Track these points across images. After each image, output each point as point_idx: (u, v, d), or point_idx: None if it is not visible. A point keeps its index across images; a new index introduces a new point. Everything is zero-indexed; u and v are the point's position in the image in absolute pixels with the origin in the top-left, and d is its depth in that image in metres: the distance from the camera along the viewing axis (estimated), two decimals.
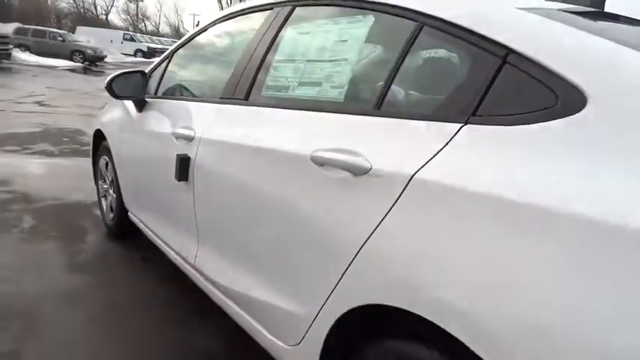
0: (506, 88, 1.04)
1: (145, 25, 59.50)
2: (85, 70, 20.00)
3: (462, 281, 0.92)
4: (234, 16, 2.16)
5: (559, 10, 1.28)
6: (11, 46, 18.19)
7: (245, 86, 1.79)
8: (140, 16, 57.24)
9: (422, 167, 1.05)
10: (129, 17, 57.63)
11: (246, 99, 1.77)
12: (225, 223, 1.72)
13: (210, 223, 1.83)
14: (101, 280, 2.56)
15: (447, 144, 1.05)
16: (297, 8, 1.75)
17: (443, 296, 0.94)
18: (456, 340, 0.91)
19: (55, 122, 7.22)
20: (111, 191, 3.03)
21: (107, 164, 3.05)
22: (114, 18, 58.95)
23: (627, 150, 0.81)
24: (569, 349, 0.77)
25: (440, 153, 1.05)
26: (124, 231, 3.00)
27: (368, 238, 1.12)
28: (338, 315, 1.21)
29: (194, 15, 65.00)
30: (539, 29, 1.07)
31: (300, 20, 1.73)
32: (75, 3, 53.44)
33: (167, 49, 2.65)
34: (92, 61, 22.76)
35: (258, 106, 1.70)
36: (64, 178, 4.32)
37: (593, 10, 1.48)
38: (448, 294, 0.94)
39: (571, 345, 0.77)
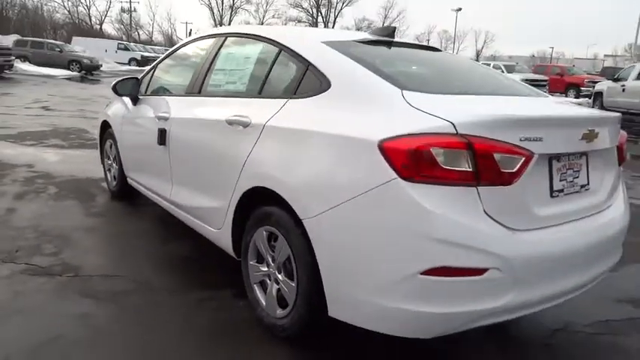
0: (306, 81, 2.22)
1: (139, 34, 60.71)
2: (82, 79, 21.17)
3: (287, 171, 2.08)
4: (194, 41, 3.36)
5: (353, 40, 2.47)
6: (13, 57, 19.28)
7: (198, 85, 2.97)
8: (133, 25, 58.47)
9: (269, 120, 2.24)
10: (122, 27, 58.86)
11: (199, 93, 2.96)
12: (185, 165, 2.91)
13: (178, 168, 3.01)
14: (110, 220, 3.74)
15: (280, 108, 2.24)
16: (228, 38, 2.95)
17: (281, 178, 2.09)
18: (285, 201, 2.06)
19: (61, 123, 8.38)
20: (114, 165, 4.20)
21: (111, 145, 4.22)
22: (108, 28, 60.10)
23: (347, 106, 1.98)
24: (315, 193, 1.94)
25: (277, 113, 2.23)
26: (124, 193, 4.17)
27: (248, 155, 2.29)
28: (237, 200, 2.38)
29: (187, 23, 66.28)
30: (325, 53, 2.26)
31: (229, 45, 2.93)
32: (70, 14, 54.77)
33: (160, 57, 3.82)
34: (88, 70, 23.84)
35: (205, 96, 2.89)
36: (75, 163, 5.49)
37: (379, 39, 2.66)
38: (284, 177, 2.08)
39: (317, 190, 1.93)
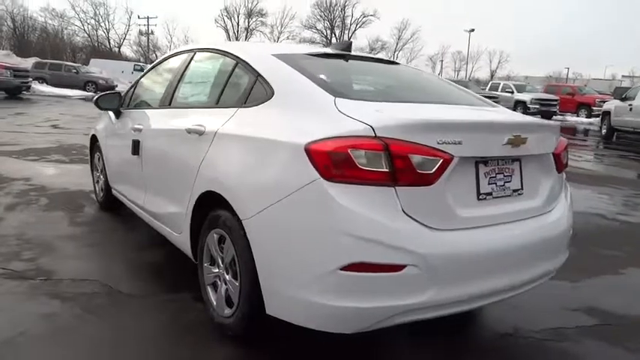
0: (255, 91, 2.35)
1: (156, 56, 62.12)
2: None
3: (230, 175, 2.19)
4: (171, 57, 3.53)
5: (305, 53, 2.61)
6: (31, 79, 19.92)
7: (169, 98, 3.12)
8: (151, 47, 59.93)
9: (219, 128, 2.36)
10: (140, 49, 60.35)
11: (169, 105, 3.10)
12: (155, 174, 3.04)
13: (149, 177, 3.14)
14: (93, 229, 3.88)
15: (231, 117, 2.36)
16: (197, 53, 3.10)
17: (225, 182, 2.21)
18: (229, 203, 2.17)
19: (67, 140, 8.65)
20: (101, 176, 4.36)
21: (99, 158, 4.39)
22: (126, 50, 61.65)
23: (286, 112, 2.10)
24: (252, 194, 2.05)
25: (227, 121, 2.36)
26: (110, 203, 4.31)
27: (202, 161, 2.41)
28: (193, 205, 2.49)
29: None
30: (272, 64, 2.39)
31: (197, 60, 3.08)
32: (89, 37, 56.43)
33: None
34: (103, 91, 24.39)
35: (174, 108, 3.04)
36: (72, 176, 5.68)
37: (334, 52, 2.79)
38: (227, 181, 2.20)
39: (254, 192, 2.04)
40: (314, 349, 2.31)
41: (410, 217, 1.80)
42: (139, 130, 3.25)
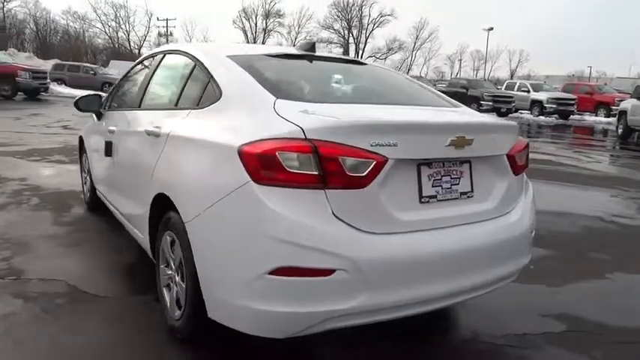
0: (207, 92, 2.34)
1: None
2: None
3: (176, 177, 2.19)
4: (146, 59, 3.54)
5: (263, 54, 2.59)
6: (49, 81, 20.32)
7: (139, 99, 3.13)
8: None
9: (172, 130, 2.36)
10: None
11: (139, 106, 3.11)
12: (123, 175, 3.05)
13: (120, 177, 3.16)
14: (76, 230, 3.92)
15: (183, 119, 2.35)
16: (166, 55, 3.11)
17: (172, 184, 2.22)
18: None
19: (73, 140, 8.72)
20: (88, 177, 4.41)
21: (85, 159, 4.44)
22: (146, 51, 62.36)
23: (230, 113, 2.09)
24: (193, 197, 2.04)
25: (179, 123, 2.35)
26: (96, 204, 4.36)
27: (156, 163, 2.41)
28: (149, 207, 2.48)
29: None
30: (224, 66, 2.37)
31: (165, 61, 3.08)
32: (110, 39, 57.37)
33: None
34: None
35: (142, 109, 3.05)
36: (67, 177, 5.76)
37: (297, 53, 2.76)
38: (174, 183, 2.20)
39: (194, 194, 2.03)
40: (270, 353, 2.29)
41: (341, 220, 1.76)
42: (112, 132, 3.27)
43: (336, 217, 1.76)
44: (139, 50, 61.03)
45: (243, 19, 59.96)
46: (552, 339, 2.54)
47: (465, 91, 22.00)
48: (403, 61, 62.16)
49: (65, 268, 3.14)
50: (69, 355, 2.21)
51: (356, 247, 1.75)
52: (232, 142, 1.86)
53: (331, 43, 60.62)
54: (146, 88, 3.10)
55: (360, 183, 1.77)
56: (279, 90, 2.11)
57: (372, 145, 1.78)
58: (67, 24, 50.11)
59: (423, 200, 1.96)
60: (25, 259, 3.24)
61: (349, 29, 59.92)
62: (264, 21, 60.01)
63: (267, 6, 59.39)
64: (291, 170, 1.72)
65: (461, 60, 70.16)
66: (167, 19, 52.65)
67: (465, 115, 2.44)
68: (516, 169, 2.28)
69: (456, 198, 2.06)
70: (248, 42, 60.38)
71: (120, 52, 54.68)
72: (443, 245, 1.95)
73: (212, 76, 2.34)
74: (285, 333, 1.83)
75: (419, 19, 70.35)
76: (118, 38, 59.15)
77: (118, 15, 57.45)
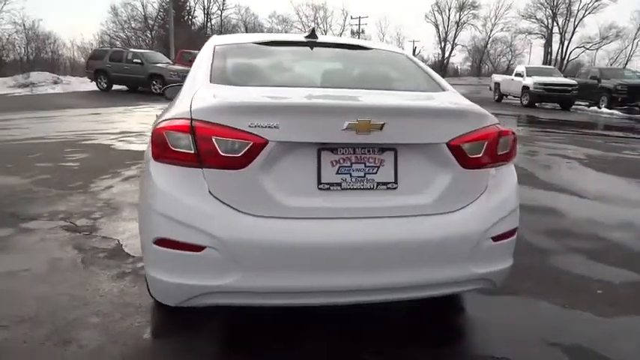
0: (188, 80, 2.55)
1: None
2: None
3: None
4: None
5: (252, 42, 2.70)
6: None
7: None
8: None
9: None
10: None
11: None
12: None
13: None
14: None
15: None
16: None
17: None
18: None
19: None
20: None
21: None
22: None
23: (180, 95, 2.27)
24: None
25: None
26: None
27: None
28: None
29: (413, 41, 67.98)
30: (205, 54, 2.55)
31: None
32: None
33: None
34: None
35: None
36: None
37: (277, 40, 2.79)
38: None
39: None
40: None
41: (217, 199, 1.81)
42: None
43: (213, 195, 1.81)
44: None
45: (436, 13, 58.78)
46: None
47: (595, 82, 18.44)
48: (620, 51, 53.68)
49: (127, 232, 3.71)
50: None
51: (229, 228, 1.79)
52: (158, 121, 2.05)
53: (530, 33, 55.67)
54: None
55: (238, 163, 1.79)
56: (221, 76, 2.22)
57: (250, 127, 1.78)
58: (272, 26, 55.58)
59: (321, 187, 1.87)
60: (107, 220, 3.92)
61: (554, 17, 54.11)
62: (458, 13, 57.92)
63: None
64: (174, 149, 1.83)
65: None
66: (360, 17, 54.57)
67: (418, 100, 2.19)
68: (467, 163, 1.97)
69: (371, 188, 1.90)
70: (439, 36, 59.14)
71: None
72: (344, 236, 1.84)
73: (195, 65, 2.55)
74: (173, 300, 1.95)
75: None
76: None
77: (317, 15, 61.64)
